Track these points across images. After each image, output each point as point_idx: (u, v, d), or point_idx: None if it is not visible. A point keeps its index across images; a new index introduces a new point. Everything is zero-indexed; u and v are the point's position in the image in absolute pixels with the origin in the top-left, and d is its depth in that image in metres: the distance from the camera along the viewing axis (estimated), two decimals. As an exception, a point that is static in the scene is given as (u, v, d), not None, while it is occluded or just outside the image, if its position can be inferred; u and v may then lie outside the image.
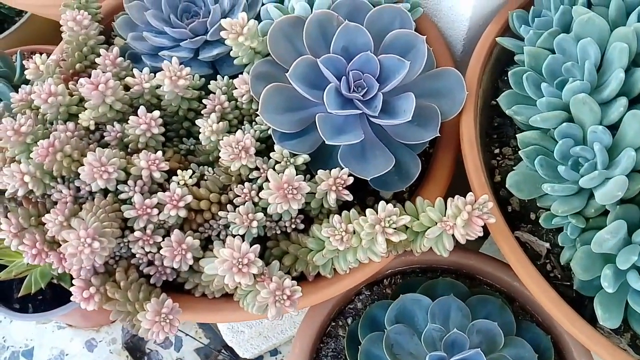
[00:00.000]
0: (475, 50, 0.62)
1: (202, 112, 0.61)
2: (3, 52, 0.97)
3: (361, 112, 0.56)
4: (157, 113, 0.58)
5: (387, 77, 0.57)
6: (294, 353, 0.61)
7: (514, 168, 0.56)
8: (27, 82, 0.93)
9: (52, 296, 0.82)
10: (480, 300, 0.60)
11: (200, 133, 0.63)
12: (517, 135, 0.54)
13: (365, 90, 0.57)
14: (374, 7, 0.62)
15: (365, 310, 0.61)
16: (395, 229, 0.48)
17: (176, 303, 0.50)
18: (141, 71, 0.62)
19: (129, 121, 0.58)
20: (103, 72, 0.61)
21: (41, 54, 1.02)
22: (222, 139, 0.57)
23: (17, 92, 0.89)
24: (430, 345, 0.54)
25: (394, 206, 0.56)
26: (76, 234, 0.49)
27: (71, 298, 0.53)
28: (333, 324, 0.65)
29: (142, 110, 0.58)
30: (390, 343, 0.55)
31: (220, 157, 0.60)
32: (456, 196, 0.49)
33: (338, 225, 0.50)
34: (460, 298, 0.59)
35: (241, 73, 0.64)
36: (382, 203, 0.49)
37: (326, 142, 0.54)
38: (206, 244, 0.57)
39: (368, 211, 0.49)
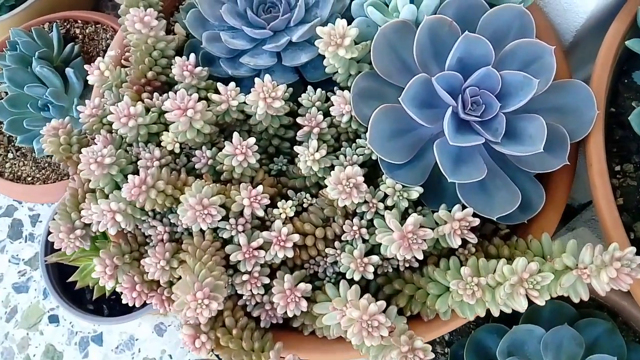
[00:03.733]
0: (600, 56, 0.55)
1: (298, 134, 0.55)
2: (40, 27, 0.89)
3: (483, 141, 0.50)
4: (252, 140, 0.53)
5: (508, 94, 0.51)
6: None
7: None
8: (68, 61, 0.87)
9: (126, 295, 0.80)
10: (590, 324, 0.58)
11: (290, 150, 0.59)
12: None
13: (482, 109, 0.52)
14: (488, 4, 0.55)
15: (470, 335, 0.59)
16: (539, 290, 0.44)
17: (297, 355, 0.48)
18: (225, 84, 0.55)
19: (223, 150, 0.53)
20: (186, 91, 0.55)
21: (75, 21, 0.95)
22: (326, 170, 0.53)
23: (60, 75, 0.83)
24: (548, 381, 0.53)
25: (507, 239, 0.53)
26: (192, 295, 0.45)
27: (181, 346, 0.51)
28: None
29: (236, 138, 0.52)
30: (505, 377, 0.54)
31: (317, 182, 0.56)
32: (598, 246, 0.45)
33: (469, 279, 0.46)
34: (568, 320, 0.57)
35: (330, 79, 0.58)
36: (522, 259, 0.45)
37: (448, 180, 0.49)
38: (311, 280, 0.54)
39: (505, 268, 0.45)
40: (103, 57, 0.90)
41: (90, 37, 0.93)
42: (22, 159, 0.88)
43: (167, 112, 0.54)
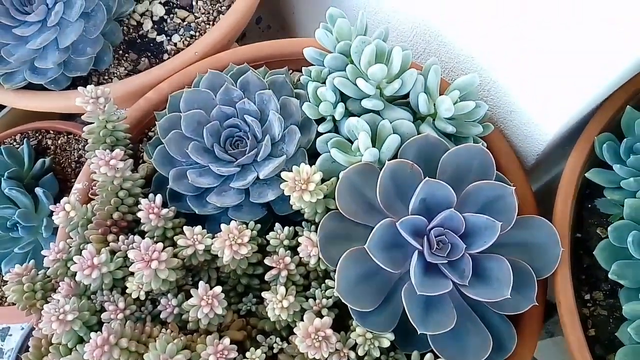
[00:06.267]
0: (561, 190, 0.56)
1: (266, 276, 0.55)
2: (11, 145, 0.89)
3: (451, 288, 0.50)
4: (218, 289, 0.52)
5: (473, 234, 0.52)
6: None
7: (615, 335, 0.52)
8: (38, 177, 0.86)
9: None
10: None
11: (260, 286, 0.59)
12: (623, 307, 0.49)
13: (449, 249, 0.52)
14: (450, 137, 0.56)
15: None
16: None
17: None
18: (193, 219, 0.55)
19: (189, 301, 0.52)
20: (153, 233, 0.55)
21: (47, 132, 0.95)
22: (296, 314, 0.52)
23: (30, 192, 0.82)
24: None
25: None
26: None
27: None
28: None
29: (202, 287, 0.51)
30: None
31: (288, 324, 0.55)
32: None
33: None
34: None
35: (299, 212, 0.58)
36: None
37: (418, 331, 0.48)
38: None
39: None
40: (74, 169, 0.91)
41: (62, 147, 0.93)
42: (-10, 278, 0.86)
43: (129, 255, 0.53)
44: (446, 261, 0.51)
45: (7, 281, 0.85)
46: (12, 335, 0.97)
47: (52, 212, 0.81)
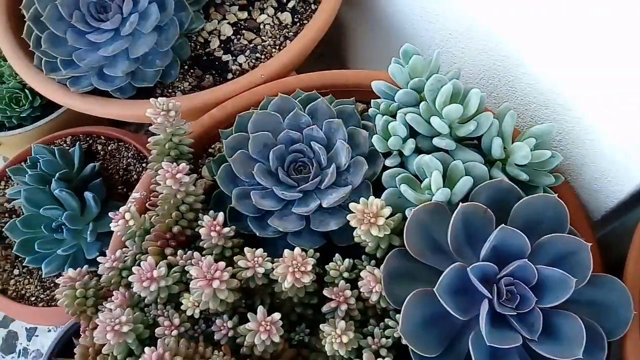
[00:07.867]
0: (633, 249, 0.55)
1: (324, 307, 0.54)
2: (63, 146, 0.90)
3: (521, 342, 0.48)
4: (277, 315, 0.51)
5: (544, 288, 0.50)
6: None
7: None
8: (87, 180, 0.86)
9: None
10: None
11: (313, 316, 0.57)
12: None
13: (517, 301, 0.50)
14: (520, 184, 0.55)
15: None
16: None
17: None
18: (251, 239, 0.54)
19: (247, 325, 0.50)
20: (212, 251, 0.55)
21: (98, 137, 0.95)
22: (352, 350, 0.50)
23: (78, 194, 0.82)
24: None
25: None
26: None
27: None
28: None
29: (261, 312, 0.50)
30: None
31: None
32: None
33: None
34: None
35: (358, 245, 0.57)
36: None
37: (484, 385, 0.47)
38: None
39: None
40: (122, 176, 0.91)
41: (111, 154, 0.93)
42: (28, 277, 0.85)
43: (189, 271, 0.52)
44: (515, 313, 0.50)
45: (44, 281, 0.85)
46: (39, 336, 0.96)
47: (97, 216, 0.83)
